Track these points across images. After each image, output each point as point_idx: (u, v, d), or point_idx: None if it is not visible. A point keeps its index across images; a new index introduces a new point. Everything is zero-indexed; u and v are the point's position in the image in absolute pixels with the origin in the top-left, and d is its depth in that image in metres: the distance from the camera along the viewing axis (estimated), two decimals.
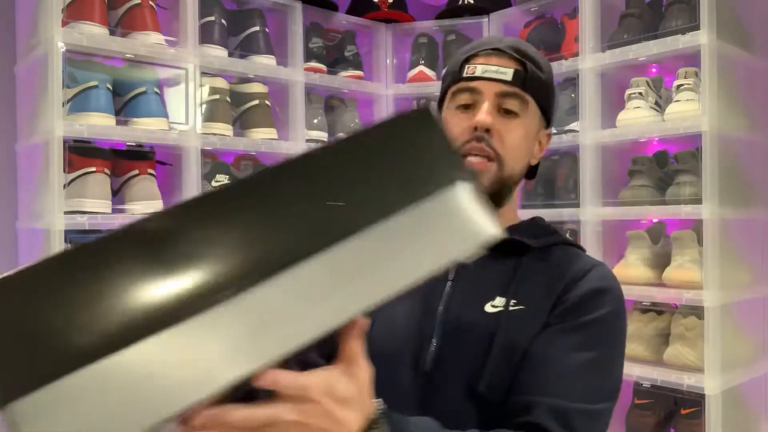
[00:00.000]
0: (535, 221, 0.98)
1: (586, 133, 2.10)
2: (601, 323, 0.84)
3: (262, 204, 0.48)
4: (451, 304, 0.89)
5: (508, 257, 0.90)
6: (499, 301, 0.87)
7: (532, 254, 0.90)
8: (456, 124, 0.90)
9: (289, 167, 0.50)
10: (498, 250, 0.88)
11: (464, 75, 0.91)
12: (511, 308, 0.85)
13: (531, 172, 0.98)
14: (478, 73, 0.90)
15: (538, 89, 0.91)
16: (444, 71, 0.98)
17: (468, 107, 0.91)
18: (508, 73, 0.89)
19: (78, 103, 1.74)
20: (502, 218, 0.93)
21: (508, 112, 0.89)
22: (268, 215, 0.48)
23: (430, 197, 0.51)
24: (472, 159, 0.88)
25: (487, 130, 0.87)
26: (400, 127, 0.53)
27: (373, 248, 0.49)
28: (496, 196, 0.90)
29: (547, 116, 0.96)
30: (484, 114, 0.87)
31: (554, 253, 0.91)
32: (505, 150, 0.88)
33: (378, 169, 0.50)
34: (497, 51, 0.90)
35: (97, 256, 0.46)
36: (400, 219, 0.50)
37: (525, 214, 0.98)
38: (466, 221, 0.52)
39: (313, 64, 2.30)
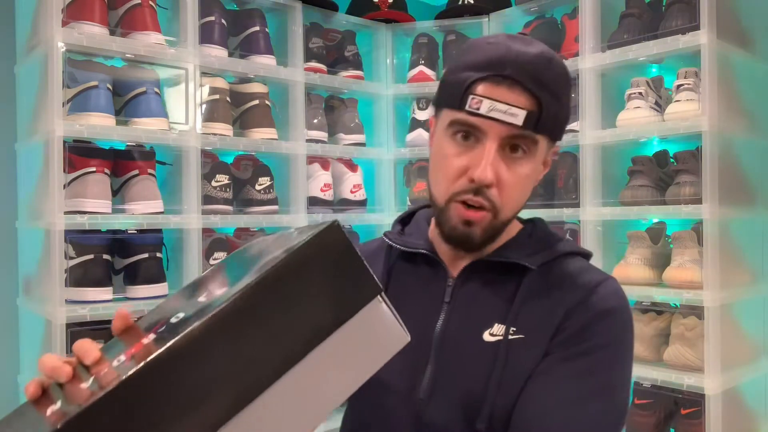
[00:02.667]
0: (535, 231, 0.91)
1: (586, 133, 2.10)
2: (603, 348, 0.79)
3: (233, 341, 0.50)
4: (448, 329, 0.84)
5: (507, 278, 0.85)
6: (498, 328, 0.81)
7: (531, 274, 0.83)
8: (451, 163, 0.81)
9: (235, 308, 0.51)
10: (495, 271, 0.85)
11: (467, 108, 0.78)
12: (510, 337, 0.80)
13: None
14: (483, 111, 0.77)
15: (554, 124, 0.80)
16: (444, 74, 0.85)
17: (467, 138, 0.80)
18: (519, 116, 0.77)
19: (78, 103, 1.74)
20: (497, 240, 0.87)
21: (513, 149, 0.79)
22: (234, 355, 0.50)
23: (346, 323, 0.53)
24: (465, 212, 0.80)
25: (489, 184, 0.78)
26: (313, 256, 0.53)
27: (313, 371, 0.53)
28: (489, 240, 0.84)
29: (561, 136, 0.85)
30: (483, 169, 0.77)
31: (556, 269, 0.85)
32: (504, 201, 0.80)
33: (302, 303, 0.52)
34: (508, 80, 0.77)
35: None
36: (326, 346, 0.52)
37: (524, 215, 0.94)
38: (379, 337, 0.56)
39: (313, 64, 2.30)
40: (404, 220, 0.99)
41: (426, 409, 0.81)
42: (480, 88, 0.78)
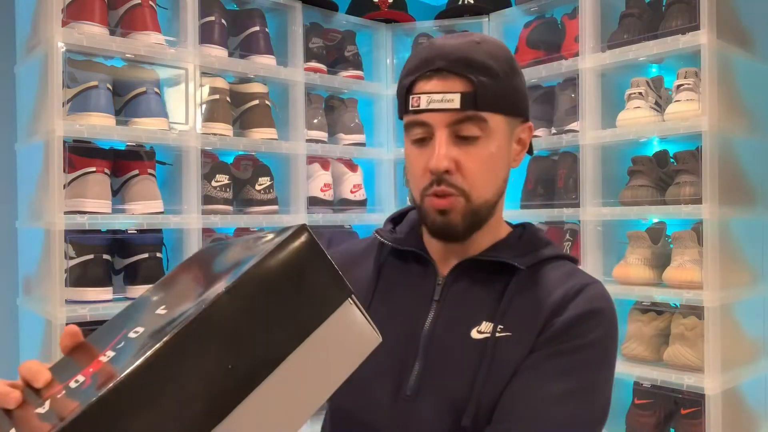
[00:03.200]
0: (525, 234, 0.92)
1: (586, 133, 2.10)
2: (588, 347, 0.80)
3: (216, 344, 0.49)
4: (436, 327, 0.85)
5: (496, 277, 0.86)
6: (486, 326, 0.82)
7: (519, 275, 0.85)
8: (414, 165, 0.84)
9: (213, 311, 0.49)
10: (485, 271, 0.86)
11: (411, 108, 0.83)
12: (497, 334, 0.81)
13: (527, 150, 0.92)
14: (423, 106, 0.81)
15: (496, 100, 0.82)
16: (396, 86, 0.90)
17: (423, 140, 0.83)
18: (455, 100, 0.79)
19: (78, 103, 1.74)
20: (486, 234, 0.88)
21: (466, 138, 0.81)
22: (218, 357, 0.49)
23: (320, 327, 0.53)
24: (435, 201, 0.82)
25: (446, 171, 0.81)
26: (282, 262, 0.52)
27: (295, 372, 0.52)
28: (473, 225, 0.85)
29: (520, 113, 0.87)
30: (436, 158, 0.80)
31: (544, 271, 0.86)
32: (469, 183, 0.82)
33: (273, 311, 0.51)
34: (438, 72, 0.80)
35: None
36: (299, 352, 0.52)
37: (523, 215, 0.95)
38: (352, 340, 0.55)
39: (313, 64, 2.30)
40: (395, 220, 1.00)
41: (413, 406, 0.82)
42: (416, 87, 0.82)
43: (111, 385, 0.45)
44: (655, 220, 2.10)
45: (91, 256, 1.75)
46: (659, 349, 1.98)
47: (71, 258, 1.74)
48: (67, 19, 1.73)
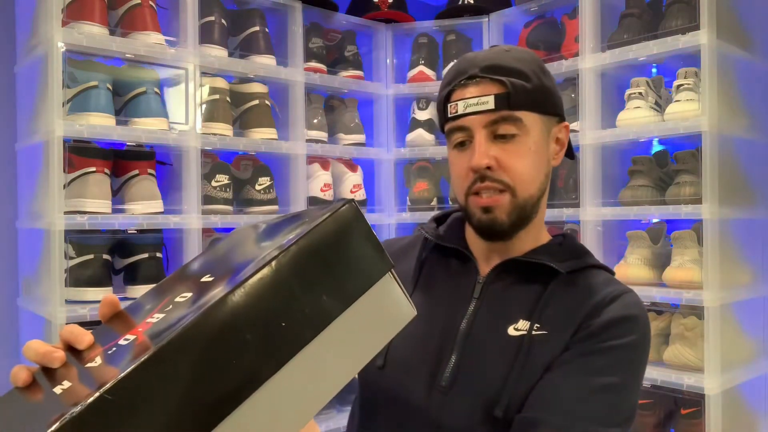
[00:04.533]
0: (566, 242, 0.95)
1: (586, 133, 2.10)
2: (622, 349, 0.82)
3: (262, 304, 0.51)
4: (474, 323, 0.87)
5: (536, 279, 0.88)
6: (523, 324, 0.85)
7: (559, 278, 0.87)
8: (457, 167, 0.89)
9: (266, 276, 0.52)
10: (525, 273, 0.89)
11: (449, 116, 0.88)
12: (534, 332, 0.84)
13: (568, 153, 0.96)
14: (460, 111, 0.87)
15: (529, 100, 0.87)
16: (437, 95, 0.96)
17: (464, 144, 0.89)
18: (489, 102, 0.85)
19: (78, 103, 1.74)
20: (529, 236, 0.92)
21: (503, 137, 0.86)
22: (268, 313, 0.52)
23: (363, 295, 0.56)
24: (480, 200, 0.86)
25: (488, 167, 0.85)
26: (331, 234, 0.55)
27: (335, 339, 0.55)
28: (518, 222, 0.88)
29: (555, 112, 0.91)
30: (477, 156, 0.85)
31: (582, 278, 0.89)
32: (513, 178, 0.86)
33: (320, 281, 0.54)
34: (473, 79, 0.87)
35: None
36: (339, 322, 0.54)
37: None
38: (389, 312, 0.58)
39: (313, 64, 2.30)
40: (439, 219, 1.04)
41: (447, 396, 0.84)
42: (453, 96, 0.89)
43: (163, 341, 0.46)
44: (655, 220, 2.10)
45: (91, 256, 1.75)
46: (659, 349, 1.98)
47: (71, 258, 1.74)
48: (67, 19, 1.73)
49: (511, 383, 0.81)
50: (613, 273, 0.94)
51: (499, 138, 0.86)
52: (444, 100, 0.90)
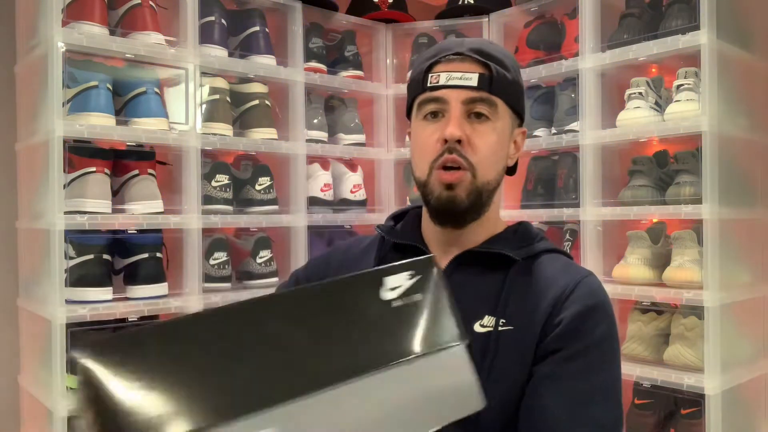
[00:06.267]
0: (520, 229, 0.96)
1: (586, 133, 2.10)
2: (598, 346, 0.83)
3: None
4: None
5: (493, 270, 0.89)
6: (489, 320, 0.85)
7: (517, 266, 0.88)
8: (427, 136, 0.89)
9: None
10: (482, 264, 0.89)
11: (429, 84, 0.89)
12: (500, 328, 0.84)
13: (510, 170, 0.97)
14: (442, 82, 0.88)
15: (507, 90, 0.89)
16: (408, 78, 0.94)
17: (436, 115, 0.89)
18: (473, 79, 0.87)
19: (78, 103, 1.74)
20: (483, 228, 0.92)
21: (478, 116, 0.88)
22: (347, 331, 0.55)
23: (427, 356, 0.55)
24: (445, 174, 0.87)
25: (459, 141, 0.86)
26: (419, 278, 0.57)
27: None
28: (475, 206, 0.89)
29: (519, 115, 0.94)
30: (452, 126, 0.86)
31: (539, 263, 0.90)
32: (478, 158, 0.87)
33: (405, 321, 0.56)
34: (460, 55, 0.88)
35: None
36: (399, 370, 0.54)
37: (523, 215, 0.98)
38: (454, 387, 0.57)
39: (313, 64, 2.30)
40: (397, 218, 1.04)
41: None
42: (437, 68, 0.89)
43: None
44: (655, 220, 2.10)
45: (91, 256, 1.75)
46: (659, 349, 1.98)
47: (71, 258, 1.74)
48: (67, 19, 1.73)
49: (482, 381, 0.81)
50: (570, 257, 0.95)
51: (472, 117, 0.88)
52: (425, 71, 0.90)
